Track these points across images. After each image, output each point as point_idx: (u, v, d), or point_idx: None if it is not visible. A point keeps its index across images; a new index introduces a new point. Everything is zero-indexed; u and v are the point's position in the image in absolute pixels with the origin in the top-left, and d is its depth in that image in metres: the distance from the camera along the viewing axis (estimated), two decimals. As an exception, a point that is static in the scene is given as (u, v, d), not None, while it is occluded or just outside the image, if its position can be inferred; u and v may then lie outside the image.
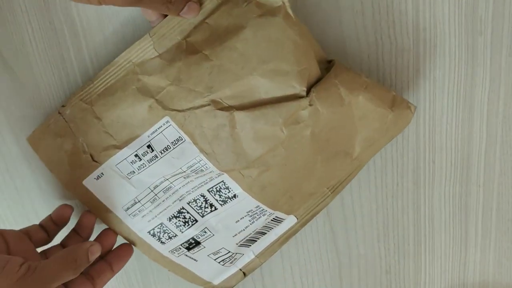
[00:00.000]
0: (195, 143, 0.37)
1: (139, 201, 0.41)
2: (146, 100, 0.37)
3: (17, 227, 0.41)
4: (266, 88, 0.35)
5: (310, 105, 0.35)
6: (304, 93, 0.35)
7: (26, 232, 0.39)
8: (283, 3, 0.35)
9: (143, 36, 0.38)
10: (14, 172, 0.45)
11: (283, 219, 0.42)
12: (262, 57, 0.35)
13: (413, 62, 0.39)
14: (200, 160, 0.38)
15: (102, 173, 0.40)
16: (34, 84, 0.42)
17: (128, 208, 0.41)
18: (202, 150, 0.37)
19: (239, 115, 0.36)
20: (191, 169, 0.39)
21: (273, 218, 0.41)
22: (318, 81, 0.36)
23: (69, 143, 0.40)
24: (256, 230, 0.42)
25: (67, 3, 0.39)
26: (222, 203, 0.40)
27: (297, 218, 0.42)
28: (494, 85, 0.39)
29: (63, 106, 0.40)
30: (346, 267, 0.46)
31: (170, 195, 0.41)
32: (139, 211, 0.41)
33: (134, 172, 0.40)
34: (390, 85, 0.40)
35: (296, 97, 0.35)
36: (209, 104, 0.36)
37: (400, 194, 0.43)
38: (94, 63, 0.41)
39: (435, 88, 0.40)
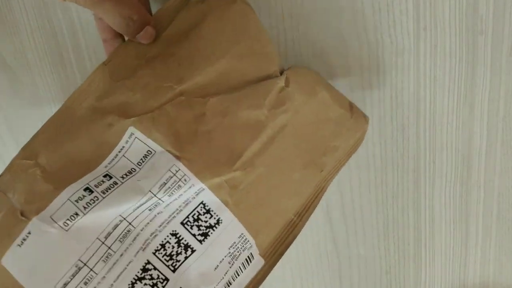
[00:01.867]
0: (169, 150, 0.30)
1: (84, 264, 0.28)
2: (104, 118, 0.31)
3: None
4: (240, 70, 0.33)
5: (286, 86, 0.34)
6: (278, 74, 0.34)
7: None
8: None
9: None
10: (12, 172, 0.45)
11: (252, 260, 0.34)
12: (231, 39, 0.33)
13: (413, 61, 0.39)
14: (177, 171, 0.30)
15: (28, 233, 0.28)
16: (33, 84, 0.42)
17: (65, 284, 0.28)
18: (178, 156, 0.30)
19: (217, 101, 0.32)
20: (164, 188, 0.30)
21: (246, 258, 0.33)
22: (283, 71, 0.35)
23: (1, 215, 0.29)
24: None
25: (66, 1, 0.39)
26: (202, 237, 0.31)
27: (264, 260, 0.34)
28: (494, 85, 0.39)
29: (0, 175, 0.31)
30: (346, 267, 0.46)
31: (130, 244, 0.29)
32: (85, 283, 0.28)
33: (77, 214, 0.28)
34: (391, 85, 0.40)
35: (271, 77, 0.34)
36: (181, 95, 0.31)
37: (400, 194, 0.43)
38: (93, 62, 0.41)
39: (436, 88, 0.40)
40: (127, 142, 0.30)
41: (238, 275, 0.33)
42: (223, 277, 0.32)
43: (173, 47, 0.33)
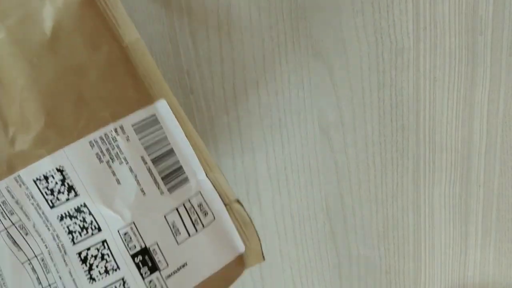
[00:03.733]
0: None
1: None
2: None
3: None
4: None
5: None
6: None
7: None
8: None
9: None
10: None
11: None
12: None
13: (413, 61, 0.39)
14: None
15: None
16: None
17: None
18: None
19: None
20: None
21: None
22: None
23: None
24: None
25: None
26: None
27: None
28: (494, 85, 0.39)
29: None
30: (346, 267, 0.46)
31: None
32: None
33: None
34: (390, 85, 0.40)
35: None
36: None
37: (400, 194, 0.43)
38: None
39: (435, 88, 0.40)
40: None
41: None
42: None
43: None
